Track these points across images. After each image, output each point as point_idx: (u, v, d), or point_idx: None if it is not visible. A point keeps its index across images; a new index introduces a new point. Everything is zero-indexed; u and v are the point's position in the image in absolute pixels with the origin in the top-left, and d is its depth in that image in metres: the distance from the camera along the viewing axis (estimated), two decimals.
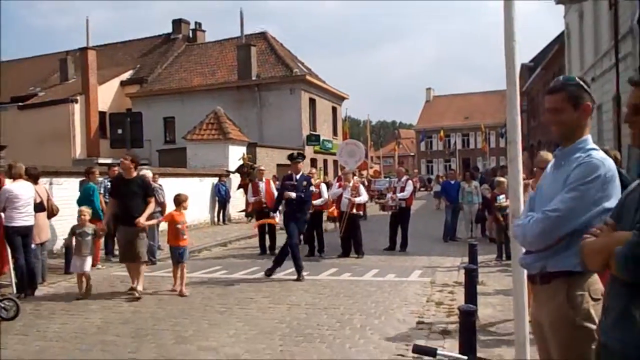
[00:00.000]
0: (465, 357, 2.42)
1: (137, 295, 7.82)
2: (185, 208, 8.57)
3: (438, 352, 2.44)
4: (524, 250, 2.97)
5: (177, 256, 8.39)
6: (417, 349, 2.53)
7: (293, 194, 9.60)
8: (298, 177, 9.93)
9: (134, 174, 8.34)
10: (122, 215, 8.11)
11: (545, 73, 34.31)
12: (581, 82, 2.76)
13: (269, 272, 9.56)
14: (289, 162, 10.47)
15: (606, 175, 2.61)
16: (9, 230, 7.83)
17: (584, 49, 22.38)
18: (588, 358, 2.58)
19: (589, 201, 2.57)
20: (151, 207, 8.34)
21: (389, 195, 13.39)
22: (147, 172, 11.63)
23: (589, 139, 2.78)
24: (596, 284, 2.68)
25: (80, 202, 10.11)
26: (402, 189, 12.80)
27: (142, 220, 8.01)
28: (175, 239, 8.45)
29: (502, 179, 11.72)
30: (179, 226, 8.38)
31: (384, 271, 9.95)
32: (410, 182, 13.24)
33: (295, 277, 9.31)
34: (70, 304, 7.67)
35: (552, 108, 2.79)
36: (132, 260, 8.10)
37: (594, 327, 2.60)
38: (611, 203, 2.60)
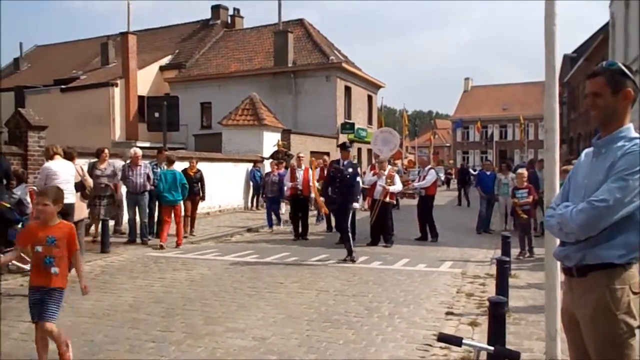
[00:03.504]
0: (492, 347, 2.38)
1: None
2: (49, 213, 4.31)
3: (463, 341, 2.41)
4: (558, 242, 2.88)
5: (34, 307, 4.25)
6: (443, 338, 2.50)
7: (357, 205, 10.08)
8: (345, 162, 10.36)
9: None
10: None
11: (588, 64, 33.37)
12: (623, 67, 2.66)
13: (353, 259, 9.65)
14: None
15: None
16: None
17: (629, 40, 21.68)
18: (627, 352, 2.52)
19: (634, 192, 2.48)
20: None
21: (414, 182, 13.68)
22: (136, 150, 11.39)
23: (630, 128, 2.67)
24: (635, 277, 2.59)
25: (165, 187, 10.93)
26: (423, 178, 12.82)
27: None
28: (36, 273, 4.36)
29: (521, 170, 11.32)
30: (39, 248, 4.27)
31: (414, 261, 9.88)
32: (432, 171, 13.20)
33: (327, 262, 9.39)
34: (104, 282, 7.85)
35: (591, 92, 2.71)
36: None
37: (634, 322, 2.53)
38: None
